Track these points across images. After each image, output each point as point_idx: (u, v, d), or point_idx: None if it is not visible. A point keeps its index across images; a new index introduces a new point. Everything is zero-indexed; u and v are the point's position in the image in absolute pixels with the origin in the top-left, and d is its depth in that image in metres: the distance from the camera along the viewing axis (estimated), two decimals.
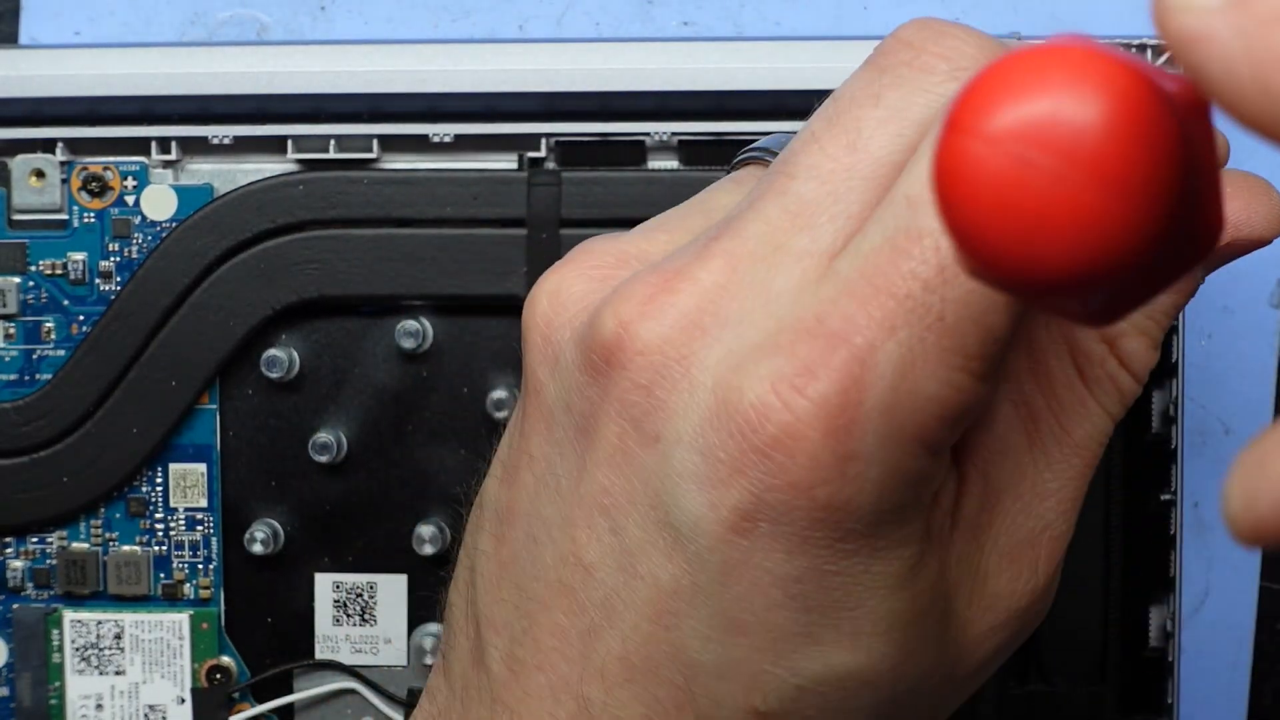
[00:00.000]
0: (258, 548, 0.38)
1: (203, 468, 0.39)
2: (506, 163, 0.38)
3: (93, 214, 0.39)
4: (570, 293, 0.27)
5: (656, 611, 0.25)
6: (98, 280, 0.39)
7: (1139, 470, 0.37)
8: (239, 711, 0.39)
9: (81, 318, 0.39)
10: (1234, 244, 0.28)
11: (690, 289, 0.25)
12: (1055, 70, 0.18)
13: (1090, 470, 0.28)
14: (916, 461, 0.24)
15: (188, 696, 0.39)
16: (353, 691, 0.39)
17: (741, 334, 0.25)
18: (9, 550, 0.39)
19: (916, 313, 0.23)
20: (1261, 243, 0.28)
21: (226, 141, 0.38)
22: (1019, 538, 0.27)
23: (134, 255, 0.39)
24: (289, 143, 0.38)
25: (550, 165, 0.38)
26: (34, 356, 0.39)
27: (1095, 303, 0.18)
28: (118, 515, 0.39)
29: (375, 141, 0.38)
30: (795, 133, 0.28)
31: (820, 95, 0.36)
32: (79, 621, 0.39)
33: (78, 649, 0.39)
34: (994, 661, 0.28)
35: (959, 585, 0.27)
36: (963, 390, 0.24)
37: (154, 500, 0.39)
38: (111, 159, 0.39)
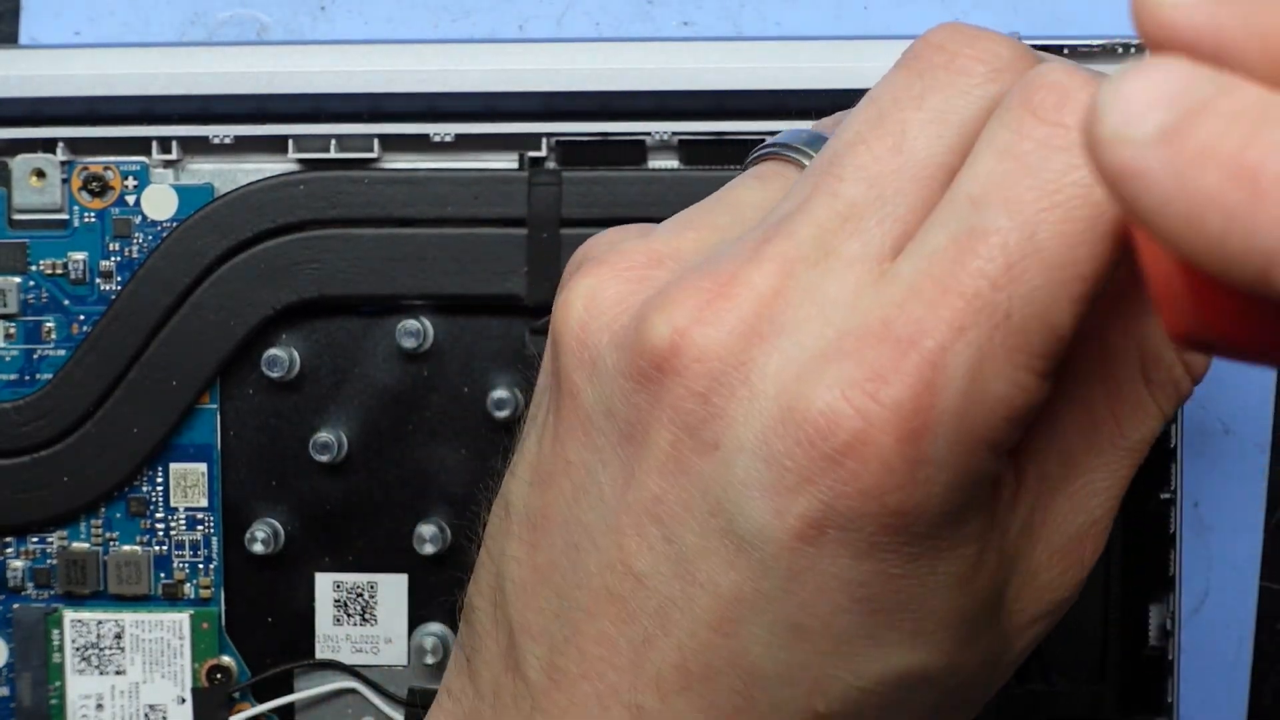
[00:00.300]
0: (258, 547, 0.38)
1: (203, 467, 0.39)
2: (507, 162, 0.38)
3: (93, 214, 0.39)
4: (606, 295, 0.27)
5: (717, 619, 0.25)
6: (98, 280, 0.39)
7: (1139, 470, 0.37)
8: (239, 711, 0.39)
9: (82, 317, 0.39)
10: None
11: (746, 295, 0.25)
12: None
13: (1135, 469, 0.28)
14: (983, 462, 0.24)
15: (188, 696, 0.39)
16: (353, 691, 0.39)
17: (800, 341, 0.25)
18: (9, 550, 0.39)
19: (985, 312, 0.23)
20: None
21: (227, 141, 0.38)
22: (1069, 534, 0.27)
23: (134, 255, 0.39)
24: (290, 142, 0.38)
25: (551, 165, 0.38)
26: (34, 356, 0.39)
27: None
28: (118, 515, 0.39)
29: (376, 141, 0.38)
30: (808, 129, 0.28)
31: (820, 95, 0.37)
32: (79, 621, 0.39)
33: (78, 649, 0.39)
34: (1029, 649, 0.28)
35: (1011, 577, 0.27)
36: (1028, 389, 0.24)
37: (154, 500, 0.39)
38: (112, 159, 0.39)
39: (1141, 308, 0.27)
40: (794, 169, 0.28)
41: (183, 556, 0.39)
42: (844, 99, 0.31)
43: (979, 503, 0.25)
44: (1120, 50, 0.37)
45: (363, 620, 0.39)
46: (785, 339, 0.25)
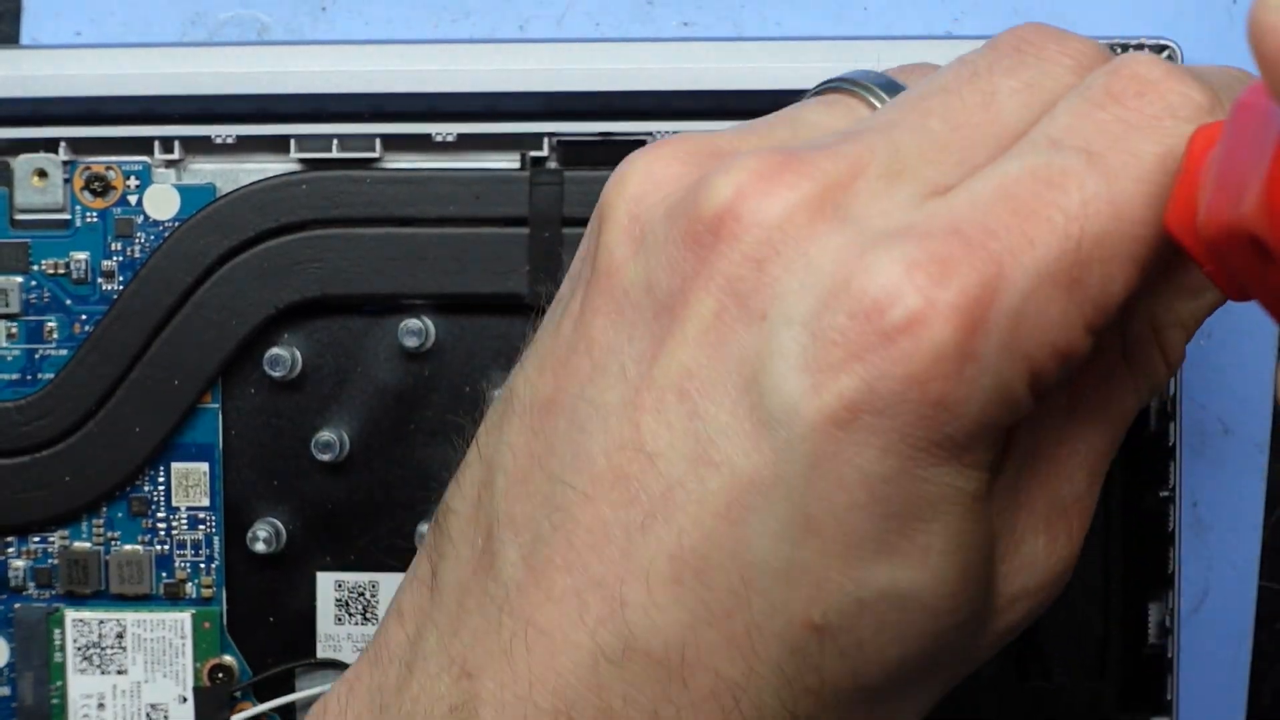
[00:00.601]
0: (260, 547, 0.38)
1: (205, 467, 0.39)
2: (509, 162, 0.38)
3: (95, 213, 0.39)
4: (665, 172, 0.26)
5: (726, 504, 0.24)
6: (100, 280, 0.39)
7: (1138, 468, 0.37)
8: (241, 710, 0.39)
9: (84, 317, 0.39)
10: None
11: (815, 174, 0.25)
12: None
13: (1115, 449, 0.28)
14: (1022, 386, 0.24)
15: (190, 696, 0.39)
16: None
17: (866, 226, 0.24)
18: (11, 550, 0.39)
19: (1057, 235, 0.24)
20: None
21: (229, 141, 0.38)
22: (1054, 504, 0.27)
23: (136, 255, 0.39)
24: (291, 142, 0.38)
25: (552, 164, 0.38)
26: (36, 356, 0.39)
27: None
28: (120, 514, 0.39)
29: (378, 141, 0.38)
30: (883, 73, 0.29)
31: None
32: (81, 621, 0.39)
33: (79, 648, 0.39)
34: (1017, 629, 0.28)
35: (999, 539, 0.27)
36: (1076, 332, 0.24)
37: (156, 499, 0.39)
38: (114, 158, 0.39)
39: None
40: (861, 105, 0.28)
41: (184, 556, 0.39)
42: None
43: (1001, 434, 0.25)
44: (1119, 50, 0.37)
45: (364, 620, 0.39)
46: (849, 223, 0.24)
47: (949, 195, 0.24)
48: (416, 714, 0.26)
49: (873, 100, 0.28)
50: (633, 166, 0.27)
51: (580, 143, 0.38)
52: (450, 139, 0.38)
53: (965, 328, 0.23)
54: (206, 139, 0.38)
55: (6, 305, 0.39)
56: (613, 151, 0.38)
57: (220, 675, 0.39)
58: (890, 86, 0.28)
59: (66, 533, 0.39)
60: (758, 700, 0.25)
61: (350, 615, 0.39)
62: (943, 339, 0.23)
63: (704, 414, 0.25)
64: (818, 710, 0.25)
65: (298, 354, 0.38)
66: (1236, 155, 0.22)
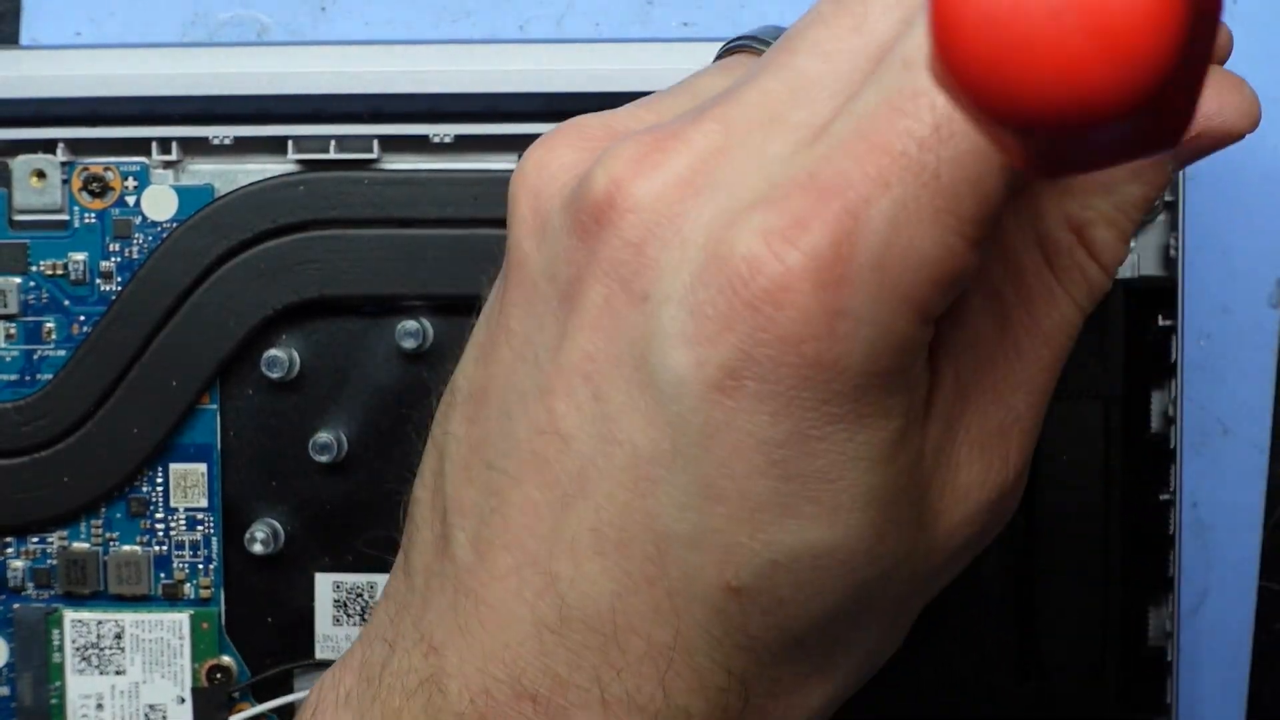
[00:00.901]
0: (258, 548, 0.38)
1: (203, 468, 0.39)
2: (507, 163, 0.38)
3: (93, 214, 0.39)
4: (560, 162, 0.27)
5: (633, 479, 0.25)
6: (98, 280, 0.39)
7: (1138, 469, 0.37)
8: (239, 711, 0.39)
9: (82, 318, 0.39)
10: (1205, 135, 0.27)
11: (684, 149, 0.25)
12: None
13: (1059, 363, 0.28)
14: (907, 325, 0.24)
15: (188, 696, 0.39)
16: None
17: (734, 194, 0.24)
18: (9, 550, 0.39)
19: (912, 170, 0.23)
20: (1232, 137, 0.28)
21: (227, 142, 0.38)
22: (989, 429, 0.27)
23: (135, 255, 0.39)
24: (290, 143, 0.38)
25: None
26: (35, 357, 0.39)
27: (1056, 149, 0.18)
28: (118, 515, 0.39)
29: (376, 142, 0.38)
30: (783, 26, 0.28)
31: None
32: (79, 621, 0.39)
33: (78, 649, 0.39)
34: (961, 559, 0.28)
35: (933, 475, 0.26)
36: (955, 253, 0.24)
37: (154, 500, 0.39)
38: (112, 159, 0.39)
39: (1034, 187, 0.27)
40: (753, 59, 0.28)
41: (183, 557, 0.39)
42: None
43: (903, 373, 0.25)
44: None
45: (362, 620, 0.39)
46: (719, 191, 0.25)
47: (814, 142, 0.24)
48: (395, 687, 0.27)
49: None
50: (530, 158, 0.27)
51: None
52: (448, 140, 0.38)
53: (825, 285, 0.23)
54: (205, 140, 0.38)
55: (5, 306, 0.39)
56: None
57: (218, 676, 0.39)
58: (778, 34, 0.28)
59: (65, 533, 0.39)
60: (690, 660, 0.26)
61: (349, 616, 0.39)
62: (805, 300, 0.23)
63: (605, 395, 0.25)
64: (752, 665, 0.26)
65: (296, 355, 0.38)
66: None
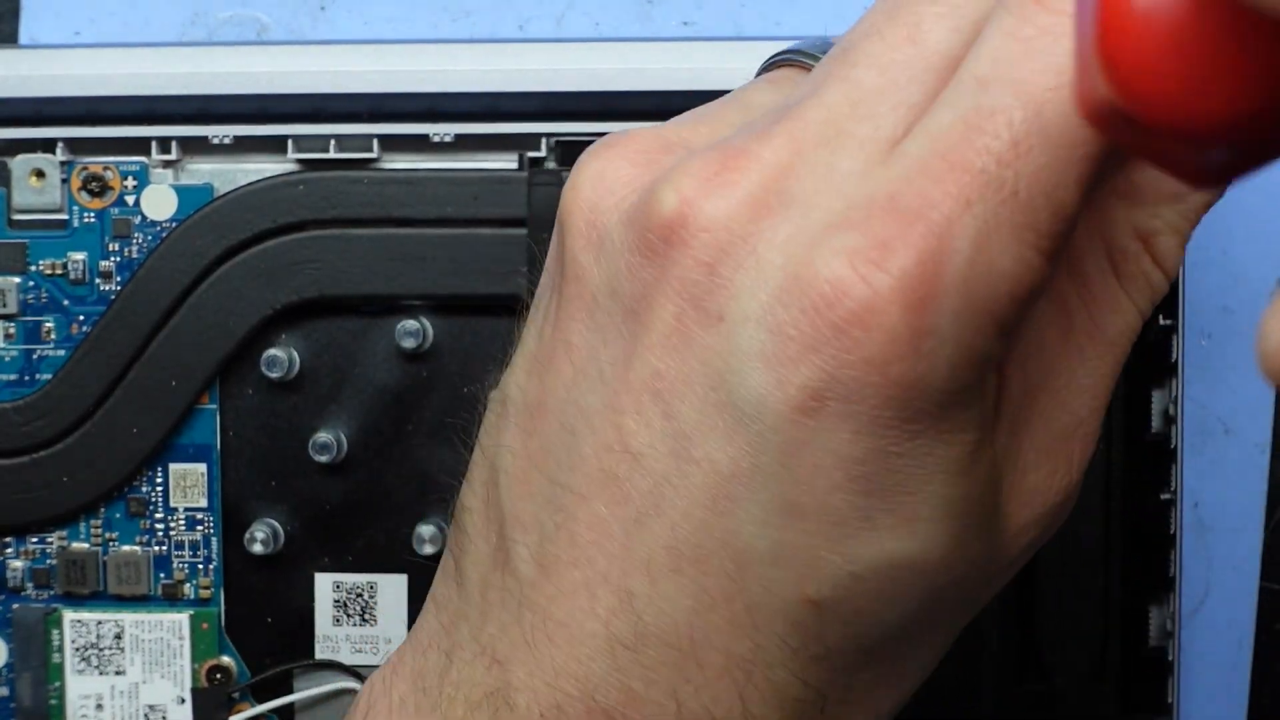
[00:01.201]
0: (258, 548, 0.38)
1: (203, 467, 0.39)
2: (507, 162, 0.38)
3: (93, 214, 0.39)
4: (616, 176, 0.27)
5: (711, 497, 0.25)
6: (98, 280, 0.39)
7: (1139, 469, 0.37)
8: (239, 711, 0.39)
9: (81, 318, 0.39)
10: None
11: (755, 167, 0.25)
12: None
13: (1119, 367, 0.28)
14: (986, 341, 0.24)
15: (188, 696, 0.39)
16: (353, 691, 0.39)
17: (808, 213, 0.24)
18: (9, 550, 0.39)
19: (991, 186, 0.23)
20: None
21: (227, 141, 0.38)
22: (1055, 433, 0.27)
23: (134, 255, 0.39)
24: (289, 143, 0.38)
25: (550, 165, 0.38)
26: (34, 356, 0.39)
27: (1234, 158, 0.19)
28: (118, 515, 0.39)
29: (375, 141, 0.38)
30: (824, 37, 0.28)
31: None
32: (79, 621, 0.39)
33: (78, 649, 0.39)
34: (1021, 560, 0.28)
35: (1002, 481, 0.27)
36: (1033, 268, 0.24)
37: (154, 500, 0.39)
38: (112, 159, 0.39)
39: (1104, 199, 0.27)
40: (805, 75, 0.28)
41: (182, 557, 0.39)
42: None
43: (980, 387, 0.25)
44: None
45: (362, 620, 0.39)
46: (793, 210, 0.25)
47: (890, 160, 0.24)
48: (457, 698, 0.27)
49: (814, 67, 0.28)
50: (585, 171, 0.27)
51: (579, 143, 0.38)
52: (448, 139, 0.38)
53: (913, 307, 0.23)
54: (204, 139, 0.38)
55: (4, 306, 0.39)
56: None
57: (218, 676, 0.39)
58: (828, 48, 0.28)
59: (65, 533, 0.39)
60: (768, 673, 0.26)
61: (348, 616, 0.39)
62: (893, 323, 0.23)
63: (678, 414, 0.25)
64: (829, 675, 0.26)
65: (295, 355, 0.38)
66: (1079, 27, 0.21)
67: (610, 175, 0.27)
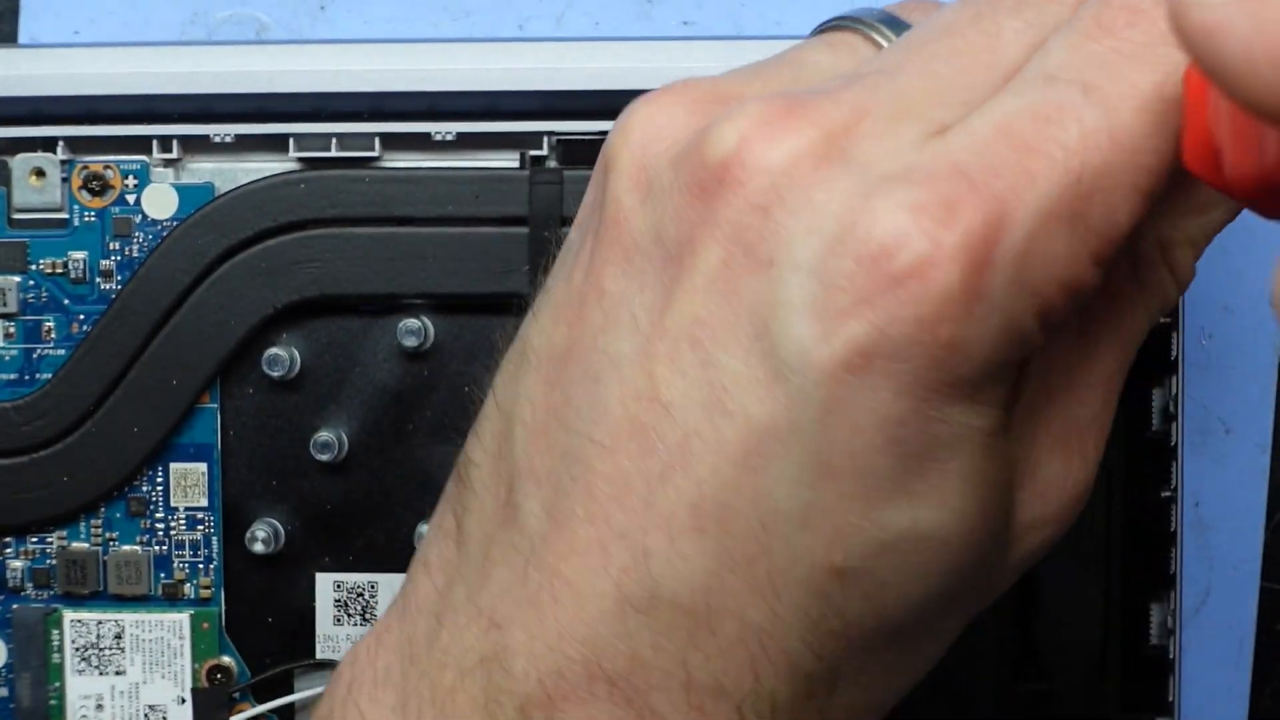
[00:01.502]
0: (258, 547, 0.38)
1: (203, 467, 0.39)
2: (508, 161, 0.38)
3: (93, 213, 0.39)
4: (671, 120, 0.26)
5: (743, 452, 0.24)
6: (98, 279, 0.39)
7: (1139, 468, 0.37)
8: (239, 711, 0.39)
9: (82, 317, 0.39)
10: None
11: (818, 120, 0.25)
12: None
13: (1126, 369, 0.28)
14: (1030, 322, 0.24)
15: (188, 696, 0.39)
16: None
17: (870, 169, 0.24)
18: (9, 550, 0.39)
19: (1058, 170, 0.24)
20: None
21: (228, 140, 0.38)
22: (1071, 426, 0.27)
23: (135, 254, 0.39)
24: (290, 141, 0.38)
25: (552, 163, 0.38)
26: (34, 356, 0.39)
27: None
28: (118, 515, 0.39)
29: (377, 140, 0.38)
30: (883, 9, 0.29)
31: None
32: (79, 621, 0.39)
33: (78, 649, 0.39)
34: (1034, 557, 0.28)
35: (1018, 469, 0.27)
36: (1083, 266, 0.24)
37: (154, 500, 0.39)
38: (112, 158, 0.39)
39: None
40: (865, 43, 0.28)
41: (183, 556, 0.39)
42: None
43: (1014, 365, 0.25)
44: None
45: (363, 620, 0.39)
46: (854, 166, 0.24)
47: (949, 134, 0.24)
48: (447, 664, 0.26)
49: (877, 38, 0.28)
50: (636, 114, 0.27)
51: (580, 141, 0.38)
52: (449, 138, 0.38)
53: (972, 268, 0.23)
54: (205, 138, 0.38)
55: (4, 305, 0.39)
56: None
57: (219, 676, 0.39)
58: (894, 23, 0.28)
59: (65, 533, 0.39)
60: (784, 644, 0.25)
61: (349, 616, 0.39)
62: (950, 281, 0.23)
63: (717, 363, 0.25)
64: (843, 651, 0.26)
65: (296, 354, 0.38)
66: (1192, 99, 0.23)
67: (663, 118, 0.26)
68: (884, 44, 0.27)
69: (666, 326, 0.25)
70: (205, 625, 0.39)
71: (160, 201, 0.38)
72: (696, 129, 0.26)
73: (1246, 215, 0.40)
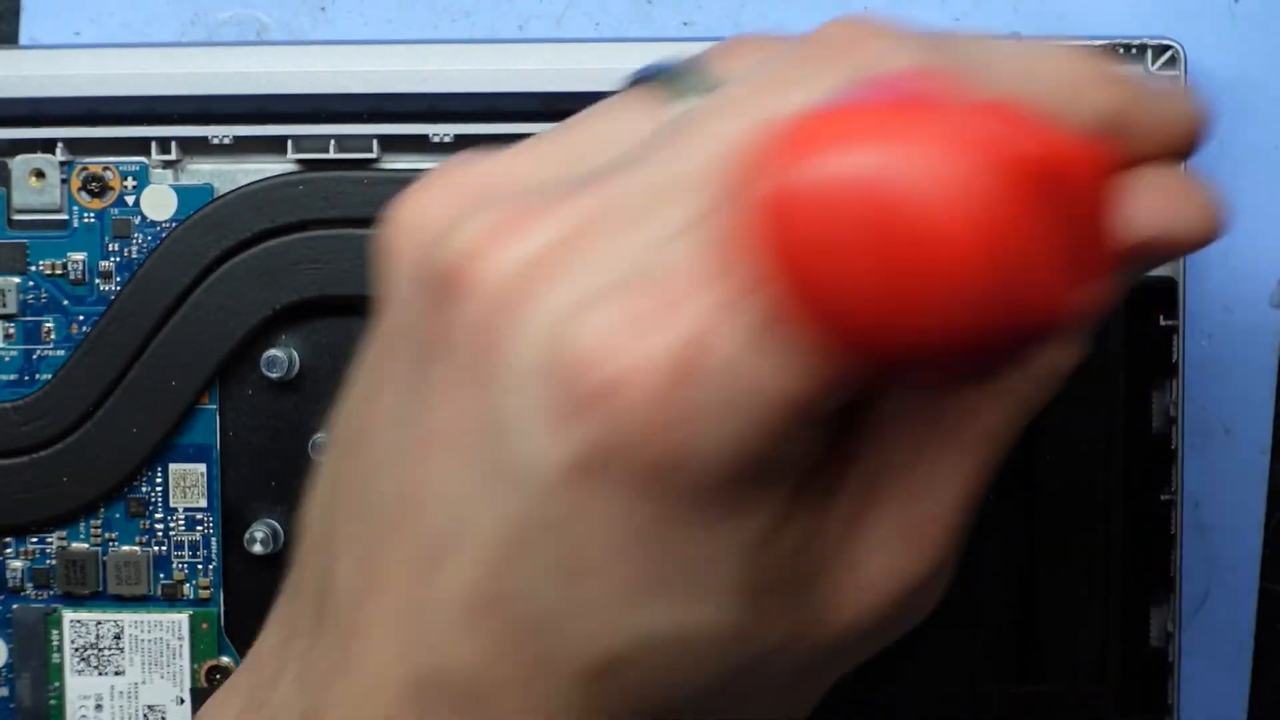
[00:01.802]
0: (258, 548, 0.38)
1: (202, 468, 0.39)
2: None
3: (93, 214, 0.39)
4: (427, 215, 0.26)
5: (502, 546, 0.24)
6: (97, 280, 0.39)
7: (1139, 470, 0.37)
8: None
9: (81, 318, 0.39)
10: (1152, 246, 0.26)
11: (542, 228, 0.24)
12: (903, 130, 0.18)
13: (988, 467, 0.27)
14: (773, 428, 0.24)
15: (187, 697, 0.39)
16: None
17: (585, 281, 0.24)
18: (9, 550, 0.39)
19: (749, 296, 0.23)
20: (1182, 248, 0.26)
21: (227, 141, 0.38)
22: (906, 520, 0.26)
23: (134, 255, 0.39)
24: (289, 143, 0.38)
25: None
26: (34, 357, 0.39)
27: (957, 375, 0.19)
28: (117, 515, 0.39)
29: (375, 141, 0.38)
30: (693, 58, 0.27)
31: None
32: (78, 622, 0.39)
33: (77, 649, 0.39)
34: (868, 644, 0.27)
35: (834, 558, 0.26)
36: (799, 387, 0.23)
37: (154, 500, 0.39)
38: (111, 159, 0.39)
39: None
40: (668, 102, 0.27)
41: (182, 557, 0.39)
42: None
43: (780, 470, 0.24)
44: (1121, 50, 0.37)
45: None
46: (572, 277, 0.24)
47: (685, 234, 0.24)
48: (279, 717, 0.27)
49: (676, 100, 0.27)
50: (400, 209, 0.27)
51: None
52: (448, 139, 0.38)
53: (677, 383, 0.23)
54: (204, 139, 0.38)
55: (4, 306, 0.39)
56: None
57: (218, 676, 0.39)
58: (700, 82, 0.27)
59: (64, 533, 0.39)
60: None
61: None
62: (648, 398, 0.23)
63: (462, 466, 0.25)
64: None
65: (295, 355, 0.38)
66: None
67: (420, 214, 0.26)
68: (685, 105, 0.26)
69: (420, 431, 0.25)
70: (204, 626, 0.39)
71: (159, 203, 0.38)
72: (445, 225, 0.25)
73: (1246, 217, 0.40)
